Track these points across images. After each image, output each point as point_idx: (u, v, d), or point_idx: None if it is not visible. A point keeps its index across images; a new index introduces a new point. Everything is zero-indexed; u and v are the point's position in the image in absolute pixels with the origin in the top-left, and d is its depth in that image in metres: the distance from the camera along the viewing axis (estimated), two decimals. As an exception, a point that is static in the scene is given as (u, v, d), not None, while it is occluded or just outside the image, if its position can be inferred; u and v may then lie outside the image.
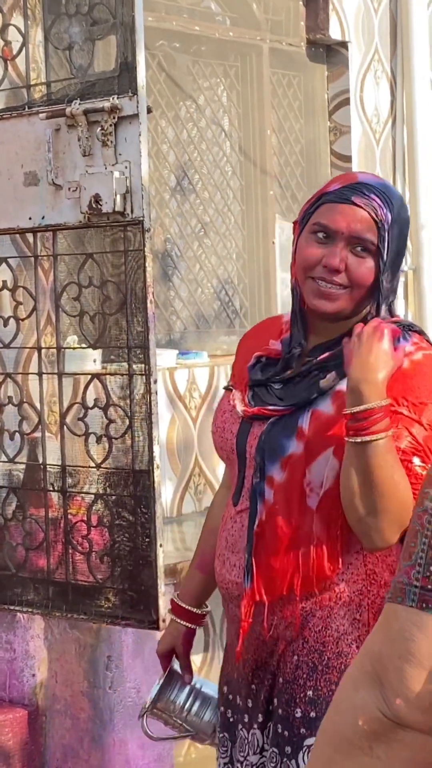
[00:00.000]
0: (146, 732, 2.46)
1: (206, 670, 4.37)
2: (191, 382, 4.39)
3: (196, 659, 4.32)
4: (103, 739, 3.44)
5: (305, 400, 2.09)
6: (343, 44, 5.10)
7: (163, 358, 4.27)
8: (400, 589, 1.12)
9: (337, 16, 5.03)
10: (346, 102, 5.11)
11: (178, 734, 2.44)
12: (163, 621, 3.05)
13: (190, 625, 2.41)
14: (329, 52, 5.15)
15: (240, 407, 2.19)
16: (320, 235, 2.06)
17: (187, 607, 2.43)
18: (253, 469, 2.14)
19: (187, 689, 2.40)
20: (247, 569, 2.11)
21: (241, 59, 4.89)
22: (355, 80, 5.11)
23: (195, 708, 2.39)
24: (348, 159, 5.12)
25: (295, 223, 2.15)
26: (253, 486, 2.13)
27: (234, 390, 2.25)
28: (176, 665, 2.41)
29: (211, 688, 2.40)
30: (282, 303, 4.96)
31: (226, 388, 2.31)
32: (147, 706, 2.39)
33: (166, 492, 4.26)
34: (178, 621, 2.42)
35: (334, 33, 5.03)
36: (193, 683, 2.40)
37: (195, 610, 2.43)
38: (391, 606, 1.12)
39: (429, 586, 1.10)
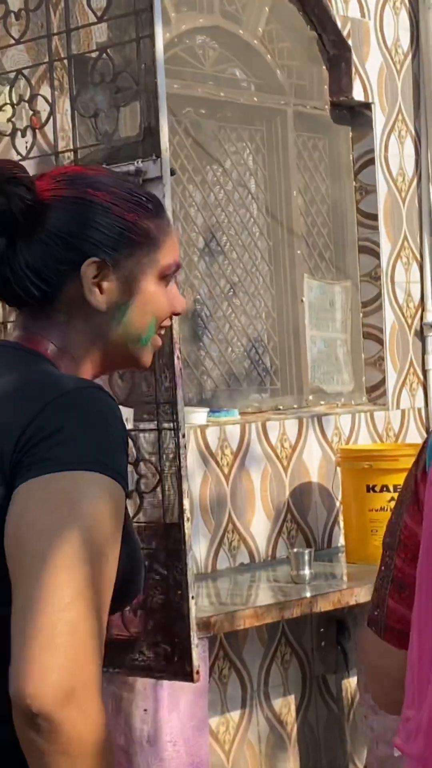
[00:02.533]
0: None
1: (244, 726, 4.37)
2: (223, 440, 4.45)
3: (234, 716, 4.33)
4: (140, 794, 3.45)
5: None
6: (367, 105, 5.20)
7: (195, 417, 4.34)
8: None
9: (360, 78, 5.15)
10: (371, 162, 5.21)
11: None
12: (197, 673, 3.09)
13: None
14: (353, 114, 5.25)
15: None
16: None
17: None
18: None
19: None
20: None
21: (266, 123, 5.00)
22: (379, 140, 5.21)
23: None
24: (374, 218, 5.20)
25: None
26: None
27: None
28: None
29: None
30: (312, 360, 5.02)
31: None
32: None
33: (200, 548, 4.30)
34: None
35: (358, 95, 5.14)
36: None
37: None
38: None
39: None
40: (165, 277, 1.63)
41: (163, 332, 1.67)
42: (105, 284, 1.58)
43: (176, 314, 1.68)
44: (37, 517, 1.38)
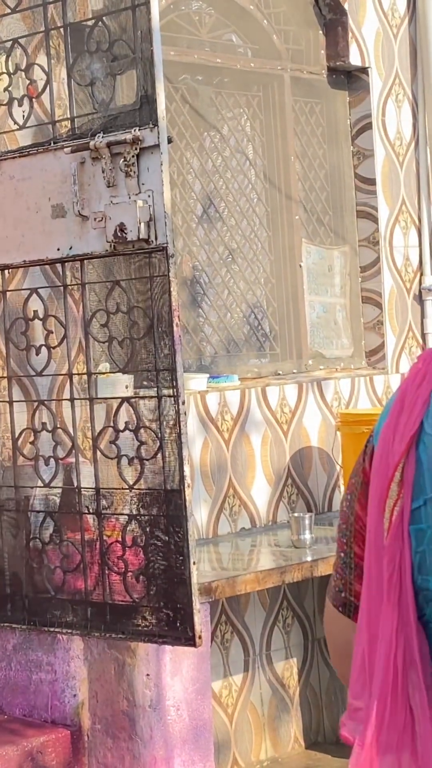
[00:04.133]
0: None
1: (246, 690, 4.41)
2: (223, 405, 4.46)
3: (236, 679, 4.37)
4: (144, 757, 3.49)
5: None
6: (364, 70, 5.18)
7: (195, 383, 4.35)
8: None
9: (356, 42, 5.12)
10: (369, 126, 5.19)
11: None
12: (199, 638, 3.11)
13: None
14: (350, 79, 5.23)
15: None
16: None
17: None
18: None
19: None
20: None
21: (263, 89, 4.98)
22: (376, 105, 5.19)
23: None
24: (372, 182, 5.19)
25: None
26: None
27: None
28: None
29: None
30: (311, 325, 5.02)
31: None
32: None
33: (201, 513, 4.33)
34: None
35: (354, 59, 5.11)
36: None
37: None
38: None
39: None
40: None
41: None
42: None
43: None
44: None
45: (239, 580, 3.76)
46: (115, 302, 3.22)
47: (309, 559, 3.99)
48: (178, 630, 3.15)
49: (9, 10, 3.50)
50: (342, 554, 1.49)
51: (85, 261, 3.28)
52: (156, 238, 3.08)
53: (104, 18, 3.24)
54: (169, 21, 4.53)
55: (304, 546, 4.12)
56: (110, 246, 3.16)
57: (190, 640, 3.13)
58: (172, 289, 3.04)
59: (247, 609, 4.43)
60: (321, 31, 5.11)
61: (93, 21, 3.28)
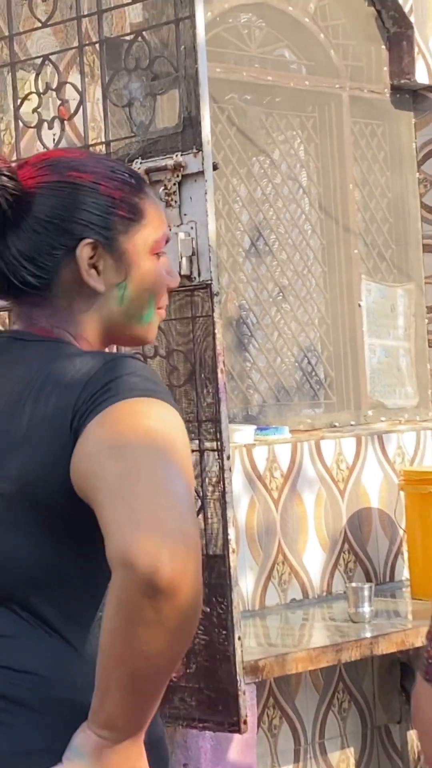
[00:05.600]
0: None
1: (297, 781, 4.37)
2: (271, 461, 4.46)
3: (285, 770, 4.33)
4: None
5: None
6: (431, 89, 5.20)
7: (240, 435, 4.35)
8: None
9: (423, 58, 5.15)
10: (437, 151, 5.21)
11: None
12: (244, 723, 3.10)
13: None
14: (416, 98, 5.26)
15: None
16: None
17: None
18: None
19: None
20: None
21: (319, 109, 5.02)
22: (445, 127, 5.21)
23: None
24: (440, 213, 5.20)
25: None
26: None
27: None
28: None
29: None
30: (371, 371, 5.02)
31: None
32: None
33: (246, 582, 4.31)
34: None
35: (421, 77, 5.14)
36: None
37: None
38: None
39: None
40: (157, 252, 1.76)
41: (163, 308, 1.80)
42: (101, 264, 1.72)
43: (170, 290, 1.81)
44: (106, 437, 1.55)
45: (289, 658, 3.74)
46: (152, 345, 3.24)
47: (368, 635, 3.96)
48: (220, 714, 3.14)
49: (39, 24, 3.55)
50: None
51: (121, 299, 3.30)
52: (199, 275, 3.10)
53: (144, 33, 3.29)
54: (215, 35, 4.58)
55: (363, 620, 4.09)
56: (148, 283, 3.18)
57: (234, 726, 3.11)
58: (216, 330, 3.06)
59: (297, 691, 4.40)
60: (384, 46, 5.14)
61: (132, 36, 3.33)
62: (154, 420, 1.56)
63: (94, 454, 1.55)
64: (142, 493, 1.49)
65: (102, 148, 3.40)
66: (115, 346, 1.95)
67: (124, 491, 1.50)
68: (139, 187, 1.77)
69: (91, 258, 1.72)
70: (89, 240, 1.71)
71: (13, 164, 1.76)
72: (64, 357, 1.67)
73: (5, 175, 1.70)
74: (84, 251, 1.71)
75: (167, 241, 1.79)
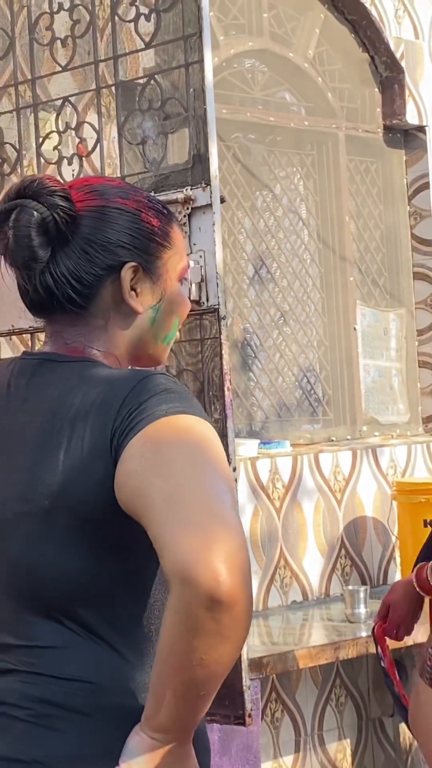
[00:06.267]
0: None
1: (297, 771, 4.34)
2: (274, 472, 4.44)
3: (287, 761, 4.30)
4: None
5: None
6: (421, 128, 5.21)
7: (245, 448, 4.34)
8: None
9: (413, 100, 5.16)
10: (426, 186, 5.21)
11: None
12: (249, 716, 3.07)
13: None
14: (407, 137, 5.26)
15: None
16: None
17: None
18: None
19: None
20: None
21: (317, 148, 5.02)
22: (434, 164, 5.21)
23: None
24: (429, 243, 5.20)
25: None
26: None
27: None
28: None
29: None
30: (365, 390, 5.01)
31: None
32: None
33: (250, 585, 4.29)
34: None
35: (411, 118, 5.14)
36: None
37: None
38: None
39: None
40: (182, 279, 1.78)
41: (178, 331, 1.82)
42: (139, 287, 1.72)
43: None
44: (149, 454, 1.53)
45: (290, 655, 3.72)
46: (164, 365, 3.23)
47: (364, 634, 3.94)
48: (226, 708, 3.11)
49: (60, 68, 3.56)
50: None
51: (134, 322, 3.30)
52: (207, 300, 3.09)
53: (156, 76, 3.29)
54: (221, 78, 4.59)
55: (359, 621, 4.07)
56: (160, 307, 3.18)
57: (240, 719, 3.08)
58: (223, 351, 3.05)
59: (298, 686, 4.38)
60: (377, 89, 5.15)
61: (145, 79, 3.33)
62: (193, 435, 1.55)
63: (140, 471, 1.53)
64: (193, 508, 1.47)
65: (117, 183, 3.40)
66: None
67: (175, 508, 1.48)
68: (170, 217, 1.78)
69: (131, 280, 1.71)
70: (133, 263, 1.71)
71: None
72: (97, 376, 1.65)
73: (61, 196, 1.69)
74: (127, 273, 1.71)
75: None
